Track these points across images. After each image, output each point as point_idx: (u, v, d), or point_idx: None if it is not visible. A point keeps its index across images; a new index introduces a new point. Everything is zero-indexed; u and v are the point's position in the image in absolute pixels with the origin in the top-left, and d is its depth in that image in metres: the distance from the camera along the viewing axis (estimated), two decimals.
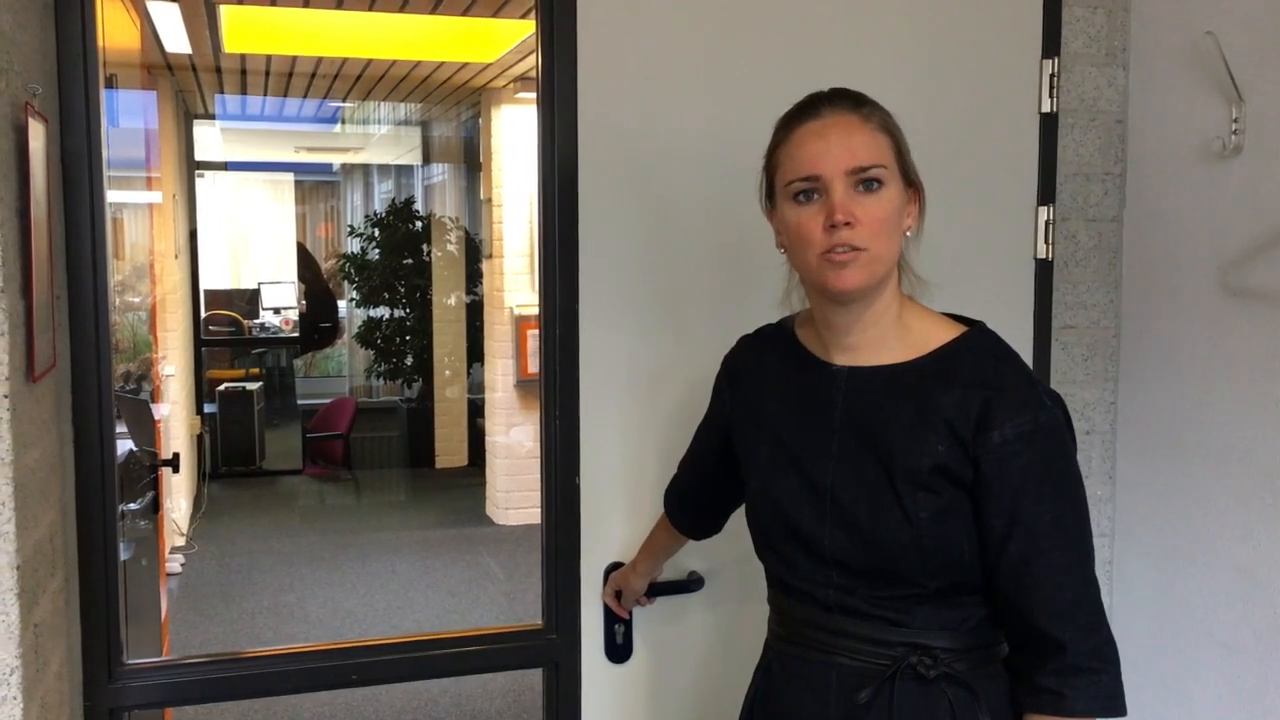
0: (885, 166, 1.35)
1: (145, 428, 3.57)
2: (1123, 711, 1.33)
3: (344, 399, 8.49)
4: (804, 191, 1.35)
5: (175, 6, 4.62)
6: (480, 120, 6.85)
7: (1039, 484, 1.32)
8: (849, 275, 1.33)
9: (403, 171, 9.89)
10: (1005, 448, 1.31)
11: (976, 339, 1.41)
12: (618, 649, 2.01)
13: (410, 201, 8.25)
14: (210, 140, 8.65)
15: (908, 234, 1.39)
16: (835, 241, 1.32)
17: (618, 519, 1.99)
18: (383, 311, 8.05)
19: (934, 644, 1.37)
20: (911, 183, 1.40)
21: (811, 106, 1.39)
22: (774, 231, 1.45)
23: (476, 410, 7.46)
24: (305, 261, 9.53)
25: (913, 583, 1.36)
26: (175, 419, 5.80)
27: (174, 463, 3.44)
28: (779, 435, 1.46)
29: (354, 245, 8.16)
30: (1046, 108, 2.14)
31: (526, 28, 4.97)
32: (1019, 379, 1.36)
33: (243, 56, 5.80)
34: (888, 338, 1.41)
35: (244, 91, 6.91)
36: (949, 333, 1.41)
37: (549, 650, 2.00)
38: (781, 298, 1.52)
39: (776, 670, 1.50)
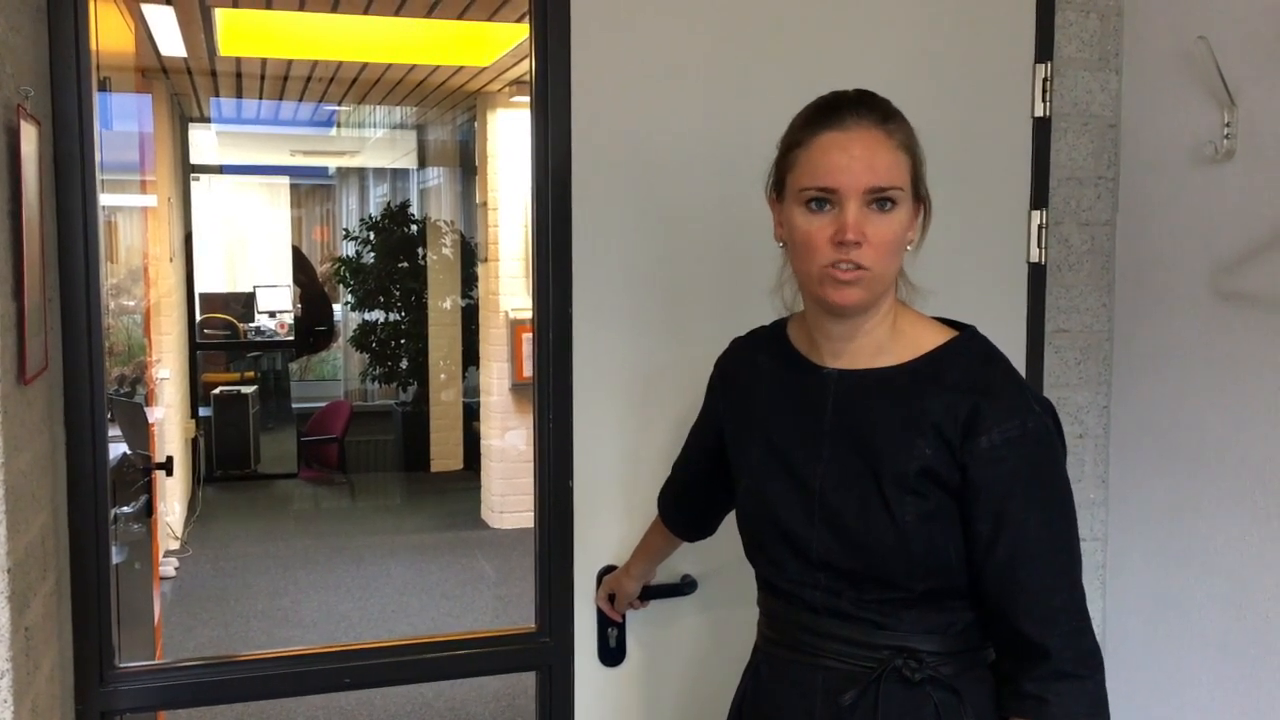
0: (901, 188, 1.34)
1: (139, 431, 3.56)
2: (1106, 718, 1.33)
3: (339, 402, 8.48)
4: (817, 200, 1.34)
5: (170, 9, 4.62)
6: (476, 124, 6.85)
7: (1026, 489, 1.32)
8: (850, 293, 1.33)
9: (398, 175, 9.89)
10: (992, 453, 1.31)
11: (967, 344, 1.41)
12: (611, 652, 2.01)
13: (406, 205, 8.25)
14: (206, 144, 8.65)
15: (909, 248, 1.39)
16: (841, 257, 1.32)
17: (611, 522, 1.99)
18: (378, 315, 8.05)
19: (920, 647, 1.37)
20: (920, 197, 1.39)
21: (835, 112, 1.35)
22: (774, 222, 1.43)
23: (472, 414, 7.45)
24: (300, 265, 9.51)
25: (899, 586, 1.36)
26: (170, 422, 5.79)
27: (168, 466, 3.44)
28: (770, 437, 1.46)
29: (349, 249, 8.16)
30: (1039, 112, 2.14)
31: (521, 31, 4.98)
32: (1008, 384, 1.36)
33: (238, 60, 5.80)
34: (880, 343, 1.41)
35: (239, 95, 6.90)
36: (940, 337, 1.41)
37: (542, 653, 2.00)
38: (773, 288, 1.51)
39: (765, 672, 1.50)
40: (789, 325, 1.53)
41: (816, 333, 1.44)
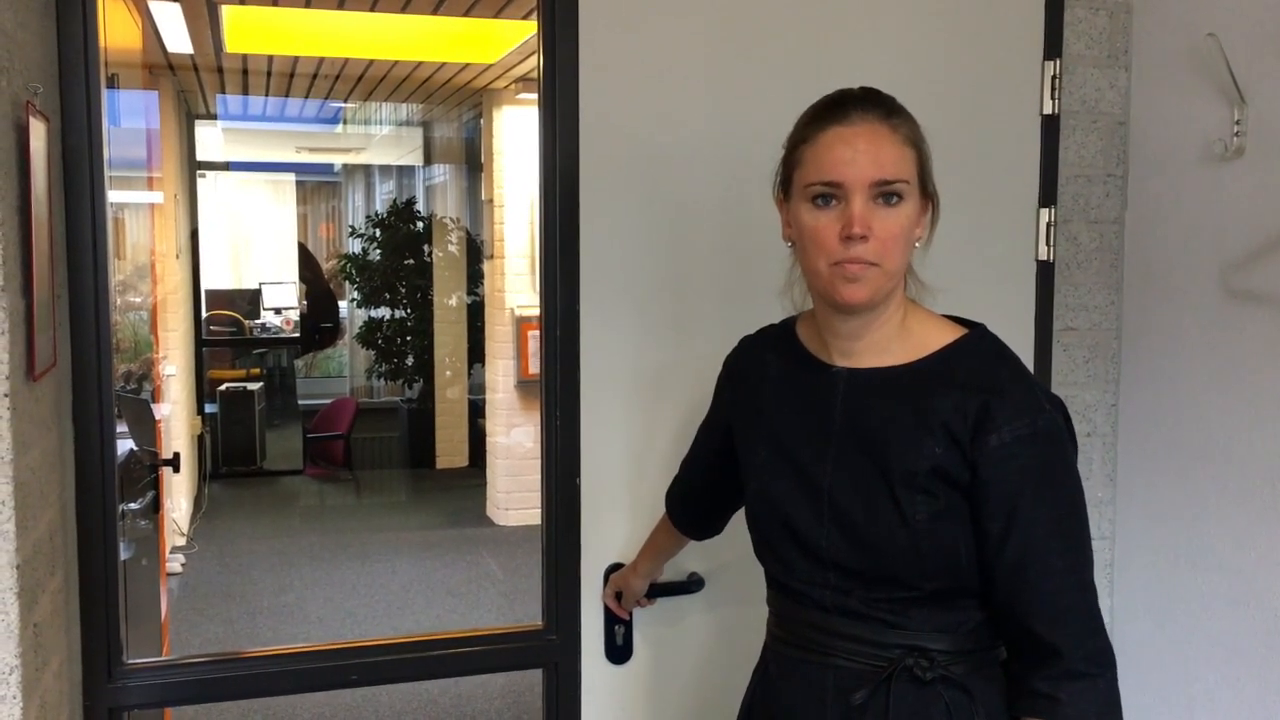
0: (908, 182, 1.33)
1: (146, 427, 3.57)
2: (1118, 717, 1.32)
3: (345, 399, 8.49)
4: (823, 196, 1.34)
5: (177, 6, 4.62)
6: (482, 121, 6.85)
7: (1036, 488, 1.32)
8: (858, 290, 1.33)
9: (404, 172, 9.89)
10: (1003, 451, 1.31)
11: (976, 342, 1.40)
12: (617, 650, 2.01)
13: (411, 202, 8.26)
14: (212, 140, 8.65)
15: (917, 244, 1.38)
16: (850, 255, 1.32)
17: (618, 519, 1.99)
18: (384, 312, 8.06)
19: (931, 646, 1.37)
20: (927, 193, 1.39)
21: (840, 108, 1.35)
22: (782, 222, 1.44)
23: (477, 411, 7.46)
24: (306, 262, 9.53)
25: (910, 585, 1.36)
26: (176, 419, 5.80)
27: (174, 462, 3.44)
28: (778, 436, 1.46)
29: (355, 246, 8.17)
30: (1048, 109, 2.13)
31: (528, 29, 4.97)
32: (1018, 382, 1.36)
33: (244, 56, 5.81)
34: (890, 341, 1.41)
35: (246, 92, 6.91)
36: (949, 335, 1.40)
37: (549, 651, 1.99)
38: (782, 289, 1.51)
39: (774, 671, 1.50)
40: (798, 324, 1.53)
41: (825, 331, 1.44)
